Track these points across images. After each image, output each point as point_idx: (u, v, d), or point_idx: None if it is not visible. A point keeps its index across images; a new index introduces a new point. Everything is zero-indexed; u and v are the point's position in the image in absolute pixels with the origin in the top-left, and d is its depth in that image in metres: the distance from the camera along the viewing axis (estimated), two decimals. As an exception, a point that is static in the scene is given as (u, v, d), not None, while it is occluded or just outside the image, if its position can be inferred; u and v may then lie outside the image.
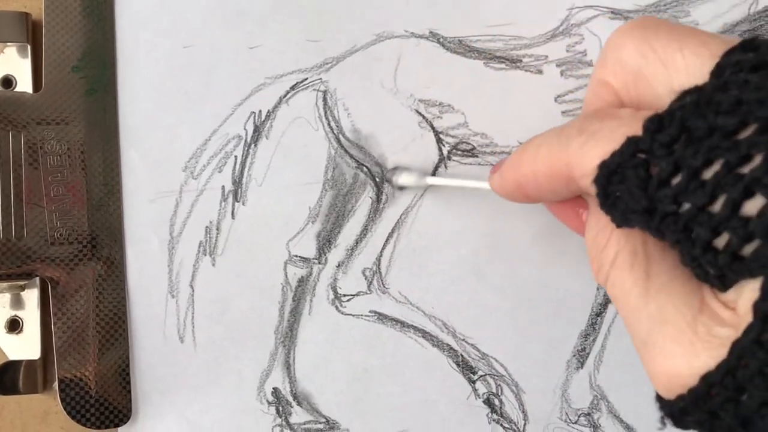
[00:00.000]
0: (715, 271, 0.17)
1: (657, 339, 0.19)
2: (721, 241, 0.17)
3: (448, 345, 0.32)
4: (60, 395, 0.30)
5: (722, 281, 0.18)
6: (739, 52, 0.18)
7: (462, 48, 0.33)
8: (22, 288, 0.31)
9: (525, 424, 0.32)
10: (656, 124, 0.19)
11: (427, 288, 0.32)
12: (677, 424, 0.19)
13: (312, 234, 0.32)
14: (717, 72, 0.19)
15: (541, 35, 0.33)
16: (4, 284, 0.31)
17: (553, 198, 0.24)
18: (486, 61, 0.33)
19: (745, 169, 0.17)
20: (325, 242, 0.32)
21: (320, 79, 0.33)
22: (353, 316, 0.32)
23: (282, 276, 0.32)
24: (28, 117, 0.31)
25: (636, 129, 0.19)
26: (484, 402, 0.32)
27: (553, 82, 0.33)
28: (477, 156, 0.33)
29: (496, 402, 0.32)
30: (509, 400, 0.32)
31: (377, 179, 0.33)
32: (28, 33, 0.32)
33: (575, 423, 0.32)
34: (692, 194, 0.17)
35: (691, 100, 0.18)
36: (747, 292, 0.17)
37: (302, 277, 0.32)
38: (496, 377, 0.32)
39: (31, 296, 0.32)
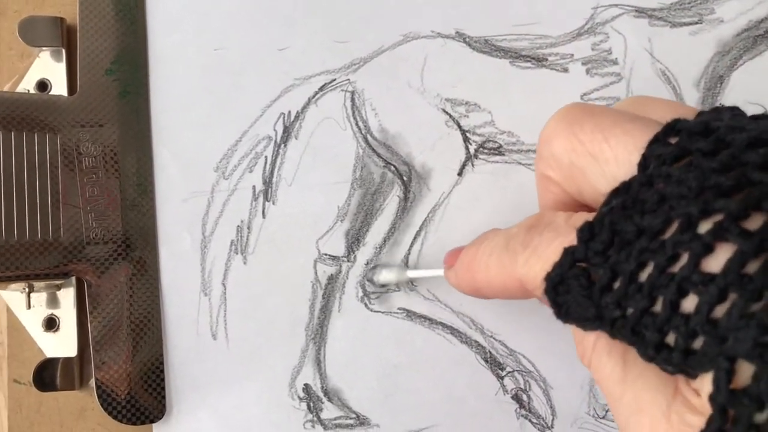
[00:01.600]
0: (672, 368, 0.17)
1: (634, 428, 0.19)
2: (671, 339, 0.17)
3: (476, 341, 0.32)
4: (96, 392, 0.31)
5: (687, 372, 0.17)
6: (661, 143, 0.18)
7: (488, 47, 0.34)
8: (59, 287, 0.32)
9: (553, 420, 0.32)
10: (588, 232, 0.19)
11: (455, 285, 0.33)
12: None
13: (341, 232, 0.33)
14: (643, 164, 0.18)
15: (567, 34, 0.34)
16: (41, 284, 0.31)
17: (513, 298, 0.24)
18: (512, 60, 0.34)
19: (675, 269, 0.16)
20: (354, 240, 0.33)
21: (348, 79, 0.33)
22: (382, 313, 0.33)
23: (312, 274, 0.33)
24: (64, 120, 0.31)
25: (572, 239, 0.19)
26: (512, 398, 0.32)
27: (579, 80, 0.34)
28: (504, 154, 0.33)
29: (525, 398, 0.32)
30: (537, 396, 0.32)
31: (405, 178, 0.33)
32: (63, 37, 0.33)
33: (603, 418, 0.32)
34: (632, 298, 0.17)
35: (616, 203, 0.18)
36: (707, 383, 0.16)
37: (332, 275, 0.33)
38: (524, 373, 0.32)
39: (67, 295, 0.32)
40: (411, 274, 0.32)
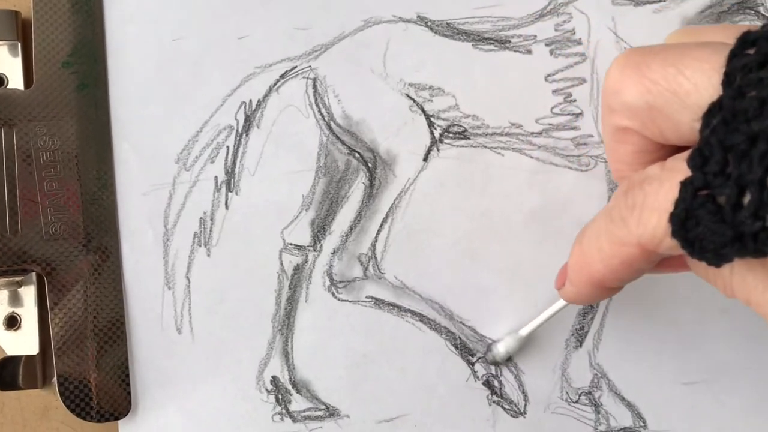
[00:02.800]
0: None
1: None
2: None
3: (445, 328, 0.32)
4: (59, 390, 0.30)
5: None
6: (740, 56, 0.18)
7: (450, 31, 0.33)
8: (19, 284, 0.32)
9: (526, 405, 0.32)
10: (699, 158, 0.19)
11: (423, 271, 0.32)
12: None
13: (306, 221, 0.32)
14: (727, 81, 0.19)
15: (529, 15, 0.33)
16: (1, 281, 0.31)
17: (638, 276, 0.24)
18: (475, 43, 0.33)
19: None
20: (320, 229, 0.32)
21: (309, 66, 0.33)
22: (350, 302, 0.32)
23: (277, 264, 0.32)
24: (20, 114, 0.31)
25: (678, 177, 0.19)
26: (483, 384, 0.32)
27: (543, 61, 0.33)
28: (469, 138, 0.33)
29: (496, 383, 0.32)
30: (509, 381, 0.32)
31: (370, 165, 0.33)
32: (18, 31, 0.32)
33: (576, 402, 0.32)
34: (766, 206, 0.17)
35: (716, 122, 0.18)
36: None
37: (298, 264, 0.32)
38: (495, 359, 0.32)
39: (28, 292, 0.32)
40: (525, 332, 0.31)
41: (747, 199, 0.18)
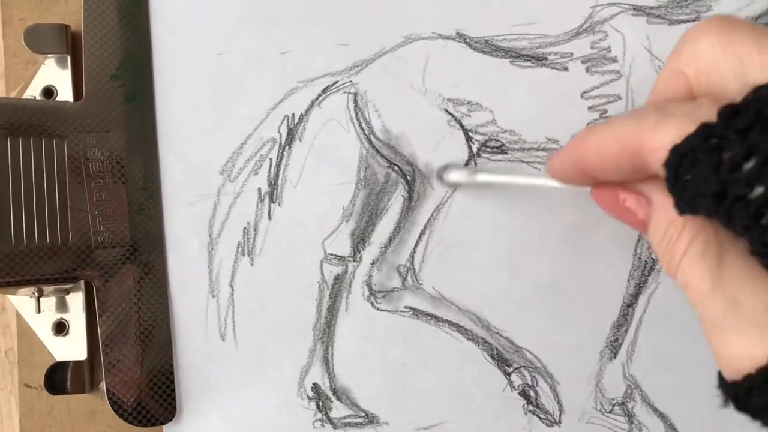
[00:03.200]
0: None
1: (731, 320, 0.19)
2: None
3: (482, 338, 0.33)
4: (107, 394, 0.31)
5: None
6: None
7: (488, 47, 0.34)
8: (67, 291, 0.32)
9: (560, 415, 0.33)
10: (731, 111, 0.19)
11: (461, 283, 0.33)
12: (740, 405, 0.20)
13: (346, 233, 0.33)
14: None
15: (566, 33, 0.34)
16: (50, 288, 0.32)
17: (610, 175, 0.24)
18: (512, 60, 0.34)
19: None
20: (360, 240, 0.33)
21: (350, 81, 0.34)
22: (389, 312, 0.33)
23: (318, 274, 0.33)
24: (70, 125, 0.32)
25: (711, 116, 0.20)
26: (519, 394, 0.33)
27: (579, 78, 0.34)
28: (506, 152, 0.33)
29: (532, 393, 0.33)
30: (544, 392, 0.33)
31: (408, 177, 0.33)
32: (68, 44, 0.33)
33: (610, 412, 0.33)
34: (765, 178, 0.18)
35: (763, 93, 0.19)
36: None
37: (338, 274, 0.33)
38: (530, 369, 0.33)
39: (76, 299, 0.32)
40: (481, 178, 0.32)
41: (748, 165, 0.18)
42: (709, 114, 0.20)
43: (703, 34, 0.22)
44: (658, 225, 0.23)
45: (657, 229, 0.23)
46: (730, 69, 0.21)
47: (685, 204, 0.20)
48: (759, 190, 0.18)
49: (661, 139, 0.21)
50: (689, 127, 0.20)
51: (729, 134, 0.19)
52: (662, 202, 0.22)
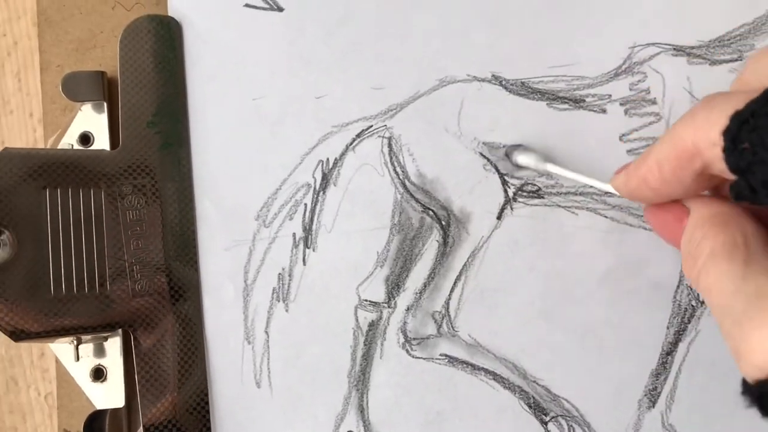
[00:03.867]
0: None
1: (754, 314, 0.19)
2: None
3: (519, 387, 0.32)
4: (145, 441, 0.31)
5: None
6: None
7: (525, 90, 0.34)
8: (105, 338, 0.33)
9: (598, 465, 0.32)
10: None
11: (497, 330, 0.33)
12: (766, 407, 0.19)
13: (381, 278, 0.33)
14: None
15: (604, 74, 0.34)
16: (89, 335, 0.32)
17: (675, 190, 0.24)
18: (549, 102, 0.34)
19: None
20: (394, 286, 0.33)
21: (385, 125, 0.34)
22: (424, 359, 0.33)
23: (353, 320, 0.33)
24: (107, 174, 0.32)
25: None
26: (556, 443, 0.32)
27: (617, 120, 0.33)
28: (543, 197, 0.33)
29: (569, 443, 0.32)
30: (582, 441, 0.32)
31: (443, 222, 0.33)
32: (104, 91, 0.33)
33: (649, 463, 0.32)
34: None
35: None
36: None
37: (372, 321, 0.33)
38: (568, 418, 0.32)
39: (114, 345, 0.33)
40: (551, 168, 0.31)
41: None
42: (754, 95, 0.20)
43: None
44: (686, 229, 0.23)
45: (685, 234, 0.23)
46: None
47: (742, 170, 0.19)
48: None
49: (716, 132, 0.20)
50: (742, 105, 0.20)
51: None
52: (695, 206, 0.22)
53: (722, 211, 0.22)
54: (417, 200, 0.33)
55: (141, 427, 0.32)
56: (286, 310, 0.33)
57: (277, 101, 0.34)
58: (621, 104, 0.33)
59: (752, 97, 0.20)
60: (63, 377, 0.33)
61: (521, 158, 0.32)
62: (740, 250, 0.20)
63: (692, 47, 0.34)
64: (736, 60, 0.33)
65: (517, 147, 0.33)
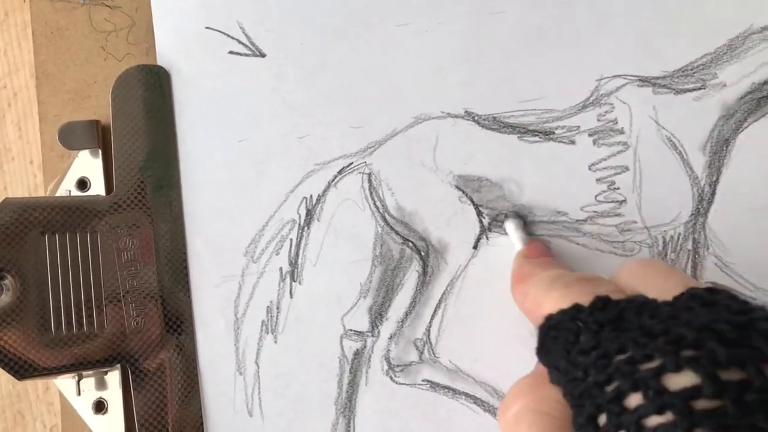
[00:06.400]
0: None
1: None
2: (602, 420, 0.19)
3: (498, 409, 0.34)
4: (144, 470, 0.33)
5: None
6: (702, 290, 0.21)
7: (496, 124, 0.35)
8: (106, 372, 0.35)
9: (577, 483, 0.33)
10: (602, 303, 0.22)
11: (476, 356, 0.34)
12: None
13: (364, 308, 0.35)
14: (678, 297, 0.21)
15: (572, 107, 0.35)
16: (89, 371, 0.34)
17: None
18: (520, 135, 0.35)
19: (643, 366, 0.19)
20: (377, 315, 0.35)
21: (365, 162, 0.35)
22: (407, 385, 0.34)
23: (339, 350, 0.34)
24: (103, 219, 0.34)
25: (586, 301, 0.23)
26: (536, 463, 0.34)
27: (586, 151, 0.35)
28: (516, 227, 0.34)
29: (548, 462, 0.34)
30: (560, 460, 0.34)
31: (423, 253, 0.35)
32: (99, 138, 0.35)
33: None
34: (595, 370, 0.20)
35: (638, 302, 0.21)
36: None
37: (357, 350, 0.34)
38: (546, 438, 0.34)
39: (114, 378, 0.35)
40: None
41: (593, 353, 0.21)
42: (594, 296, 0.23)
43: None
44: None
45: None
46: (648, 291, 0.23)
47: (546, 366, 0.24)
48: (590, 379, 0.20)
49: (551, 308, 0.24)
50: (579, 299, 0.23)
51: (590, 322, 0.21)
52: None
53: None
54: (397, 232, 0.35)
55: (140, 457, 0.33)
56: (275, 342, 0.35)
57: (261, 142, 0.35)
58: (589, 135, 0.35)
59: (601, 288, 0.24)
60: (67, 410, 0.35)
61: (509, 227, 0.34)
62: (540, 424, 0.22)
63: (657, 78, 0.35)
64: (700, 89, 0.35)
65: (510, 215, 0.35)
